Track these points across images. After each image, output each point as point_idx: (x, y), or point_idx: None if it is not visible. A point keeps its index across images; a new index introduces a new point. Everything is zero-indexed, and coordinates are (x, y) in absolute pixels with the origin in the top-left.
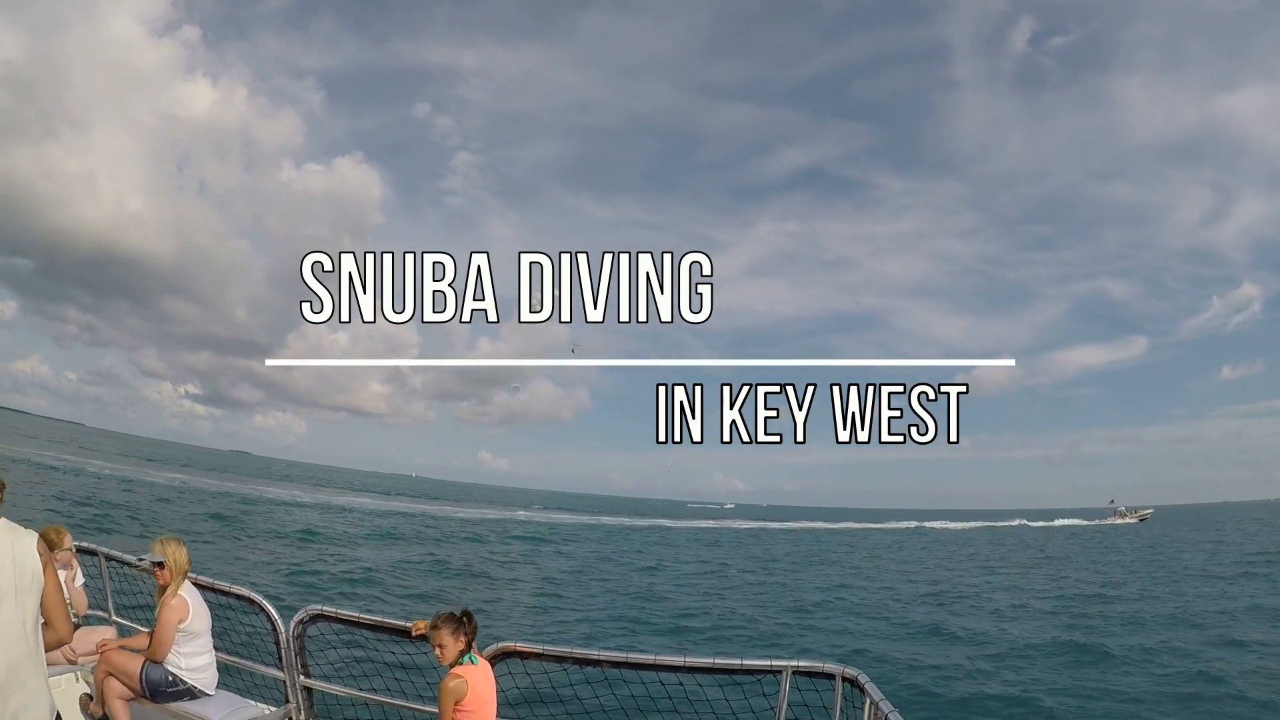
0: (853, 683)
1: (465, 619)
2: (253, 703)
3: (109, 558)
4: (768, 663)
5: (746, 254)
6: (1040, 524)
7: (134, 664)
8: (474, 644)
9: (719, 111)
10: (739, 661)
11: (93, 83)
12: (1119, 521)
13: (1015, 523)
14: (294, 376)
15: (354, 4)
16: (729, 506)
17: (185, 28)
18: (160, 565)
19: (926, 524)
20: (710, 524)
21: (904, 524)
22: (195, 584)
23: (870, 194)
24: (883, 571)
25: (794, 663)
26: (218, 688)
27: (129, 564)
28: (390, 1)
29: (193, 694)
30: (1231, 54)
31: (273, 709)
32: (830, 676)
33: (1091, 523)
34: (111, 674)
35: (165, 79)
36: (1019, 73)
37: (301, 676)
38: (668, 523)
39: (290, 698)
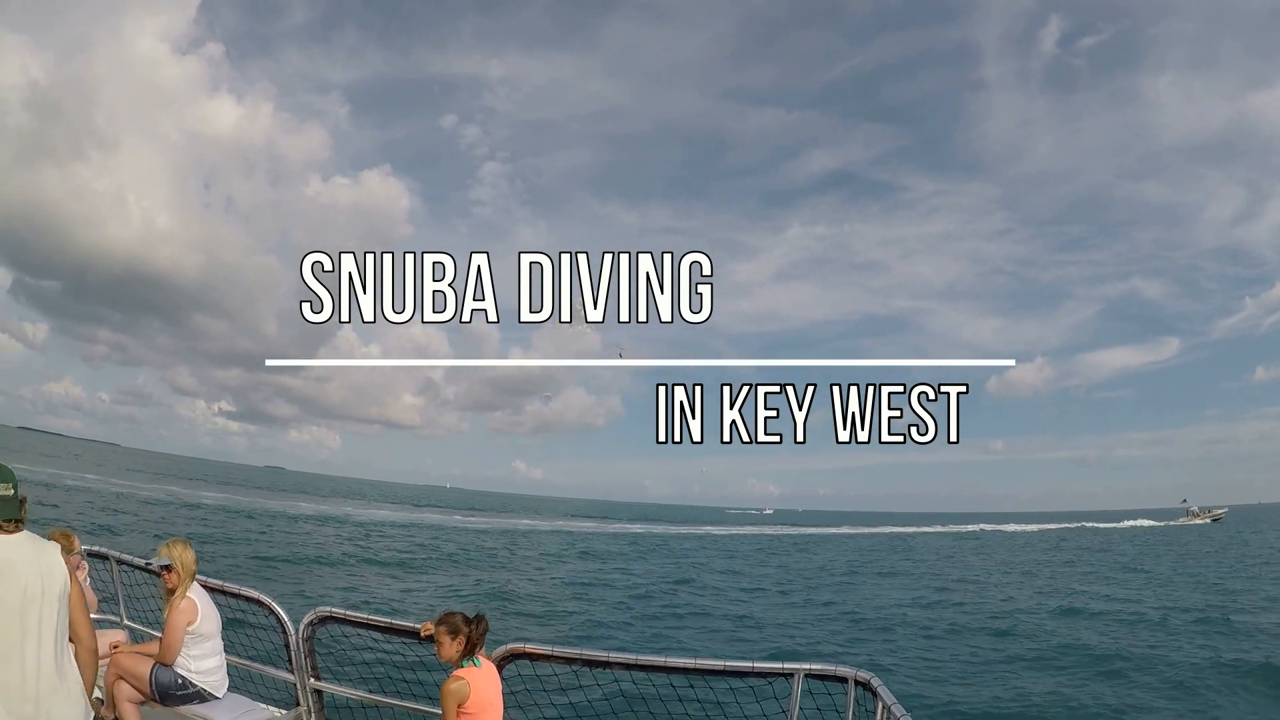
0: (865, 686)
1: (469, 621)
2: (263, 705)
3: (120, 561)
4: (780, 665)
5: (776, 258)
6: (1107, 525)
7: (144, 667)
8: (480, 646)
9: (747, 116)
10: (751, 664)
11: (119, 102)
12: (1193, 521)
13: (1077, 525)
14: (327, 390)
15: (378, 16)
16: (768, 512)
17: (209, 45)
18: (168, 568)
19: (992, 527)
20: (770, 530)
21: (969, 526)
22: (205, 586)
23: (900, 196)
24: (1013, 585)
25: (806, 665)
26: (228, 691)
27: (138, 567)
28: (415, 13)
29: (203, 697)
30: (1263, 52)
31: (283, 712)
32: (843, 680)
33: (1163, 524)
34: (122, 677)
35: (190, 96)
36: (1049, 73)
37: (312, 679)
38: (716, 529)
39: (300, 700)
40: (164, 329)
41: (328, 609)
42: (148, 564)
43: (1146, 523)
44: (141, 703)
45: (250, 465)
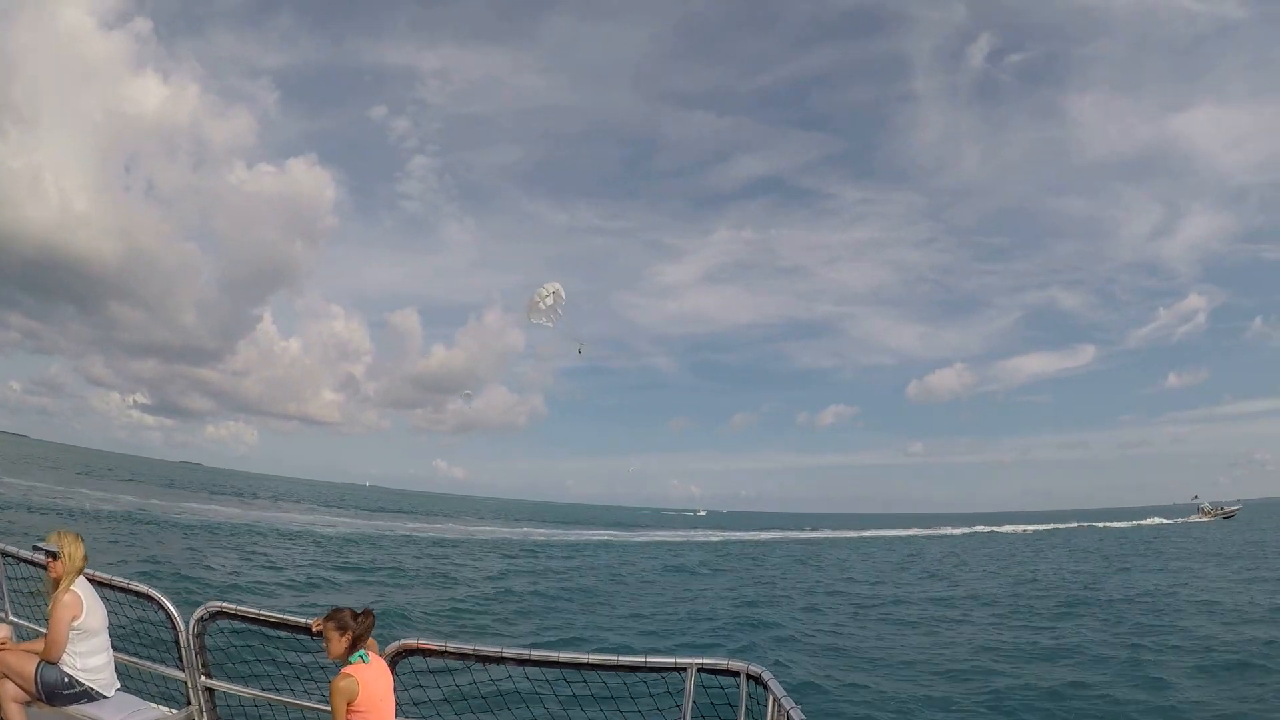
0: (757, 679)
1: (356, 616)
2: (153, 705)
3: (5, 553)
4: (673, 660)
5: (703, 261)
6: (1102, 524)
7: (29, 665)
8: (368, 641)
9: (679, 119)
10: (644, 659)
11: (40, 76)
12: (1203, 519)
13: (1084, 525)
14: (245, 384)
15: (313, 1)
16: (701, 513)
17: (137, 20)
18: (54, 556)
19: (996, 528)
20: (717, 535)
21: (976, 529)
22: (91, 580)
23: (827, 203)
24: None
25: (699, 660)
26: (117, 690)
27: (23, 559)
28: (349, 0)
29: (90, 696)
30: (1185, 76)
31: (174, 711)
32: (735, 674)
33: (1174, 521)
34: (6, 675)
35: (115, 74)
36: (977, 87)
37: (203, 677)
38: (668, 535)
39: (192, 699)
40: (79, 316)
41: (218, 604)
42: (35, 547)
43: (1160, 520)
44: (27, 703)
45: (165, 460)
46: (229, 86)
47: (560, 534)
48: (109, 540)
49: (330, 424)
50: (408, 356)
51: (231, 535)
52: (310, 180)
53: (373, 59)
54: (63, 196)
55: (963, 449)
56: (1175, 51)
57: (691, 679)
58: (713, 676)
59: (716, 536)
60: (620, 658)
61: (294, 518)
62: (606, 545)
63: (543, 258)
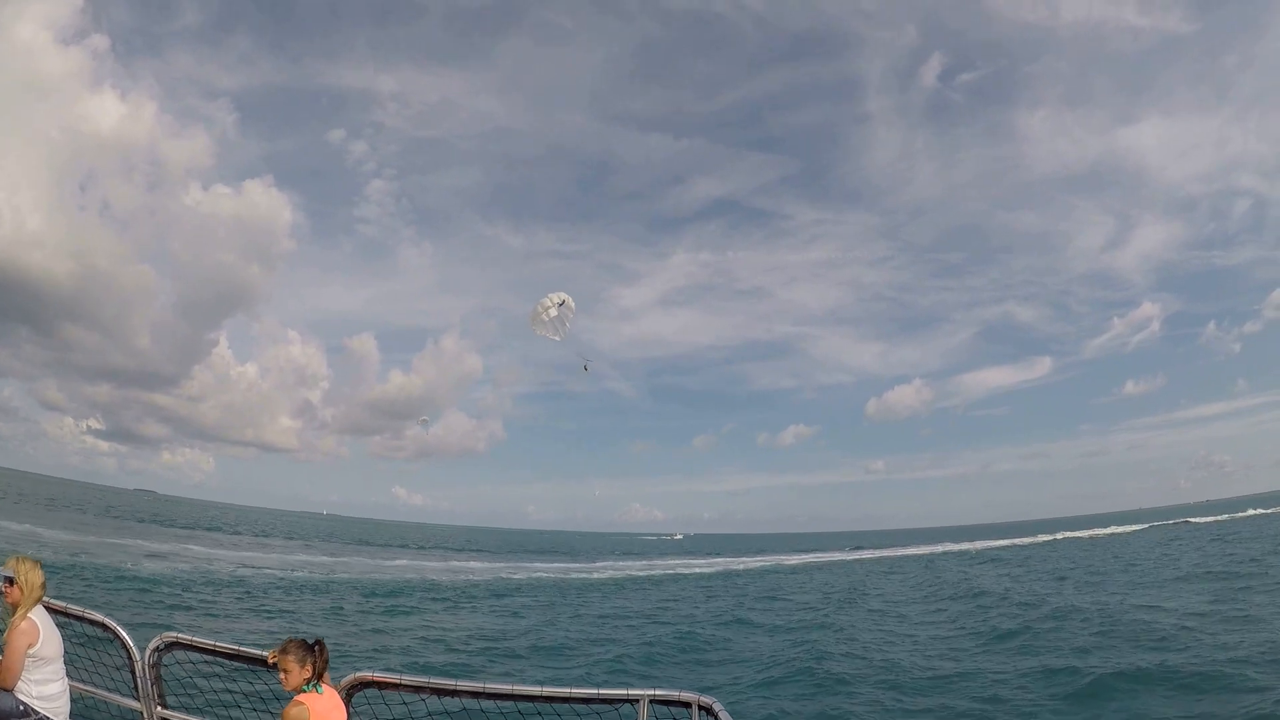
0: (708, 710)
1: (315, 648)
2: None
3: None
4: (625, 691)
5: (661, 284)
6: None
7: None
8: (325, 674)
9: (636, 142)
10: (597, 691)
11: None
12: None
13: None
14: (201, 410)
15: (272, 23)
16: (677, 537)
17: (94, 36)
18: (10, 581)
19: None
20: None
21: (1047, 536)
22: (48, 608)
23: (783, 224)
24: None
25: (651, 691)
26: (71, 718)
27: None
28: (308, 21)
29: None
30: (1132, 89)
31: None
32: (687, 705)
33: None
34: None
35: (71, 90)
36: (929, 106)
37: (158, 707)
38: (683, 566)
39: None
40: (32, 338)
41: (174, 634)
42: None
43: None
44: None
45: (120, 488)
46: (187, 107)
47: (557, 568)
48: (62, 569)
49: (288, 451)
50: (365, 382)
51: (186, 569)
52: (267, 203)
53: (331, 81)
54: (16, 214)
55: (924, 464)
56: (1122, 66)
57: (644, 710)
58: (665, 708)
59: (740, 565)
60: (574, 690)
61: (233, 554)
62: (622, 584)
63: (501, 281)
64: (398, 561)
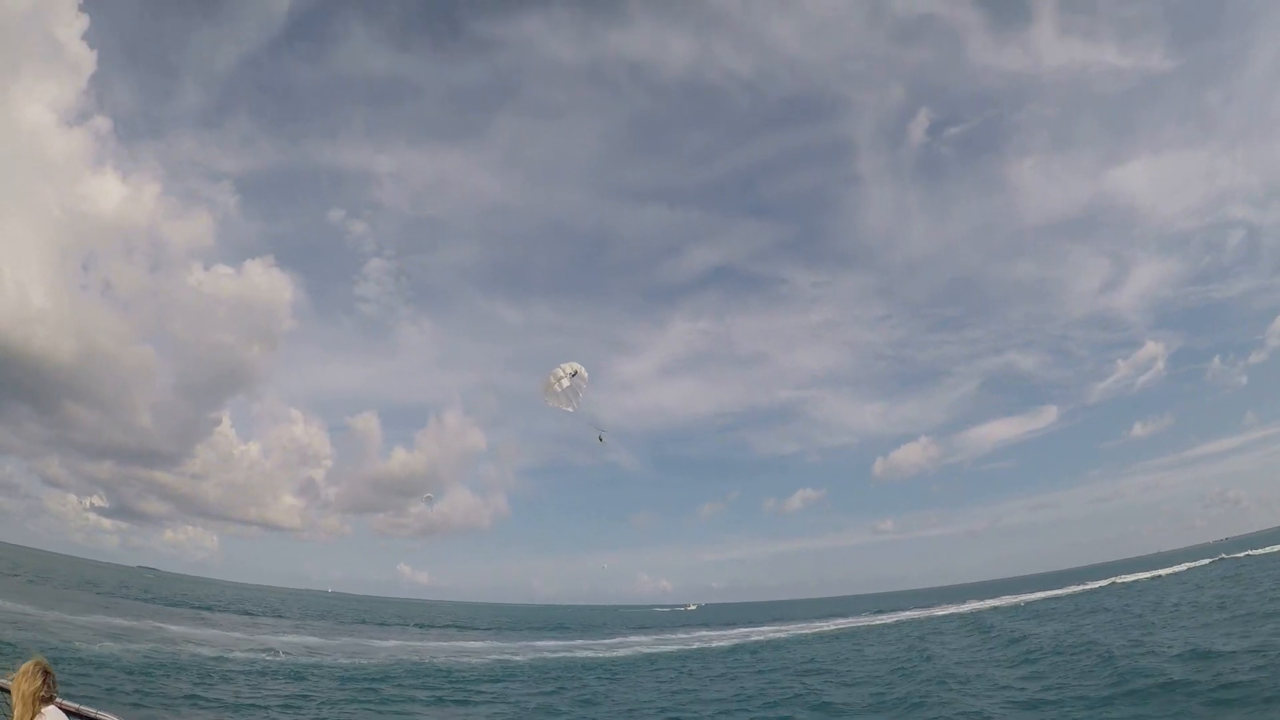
0: None
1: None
2: None
3: None
4: None
5: (660, 355)
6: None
7: None
8: None
9: (631, 213)
10: None
11: (1, 169)
12: None
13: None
14: (203, 488)
15: (271, 104)
16: (691, 608)
17: (97, 118)
18: (4, 690)
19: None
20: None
21: (1095, 584)
22: (62, 708)
23: (780, 289)
24: None
25: None
26: None
27: None
28: (307, 102)
29: None
30: (1119, 130)
31: None
32: None
33: None
34: None
35: (74, 171)
36: (919, 163)
37: None
38: (700, 639)
39: None
40: (34, 415)
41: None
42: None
43: None
44: None
45: (122, 565)
46: (189, 188)
47: (565, 645)
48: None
49: (291, 529)
50: (368, 460)
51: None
52: (268, 283)
53: (330, 161)
54: (20, 291)
55: (933, 522)
56: (1107, 108)
57: None
58: None
59: (763, 635)
60: None
61: (209, 634)
62: (638, 662)
63: (501, 357)
64: (389, 642)
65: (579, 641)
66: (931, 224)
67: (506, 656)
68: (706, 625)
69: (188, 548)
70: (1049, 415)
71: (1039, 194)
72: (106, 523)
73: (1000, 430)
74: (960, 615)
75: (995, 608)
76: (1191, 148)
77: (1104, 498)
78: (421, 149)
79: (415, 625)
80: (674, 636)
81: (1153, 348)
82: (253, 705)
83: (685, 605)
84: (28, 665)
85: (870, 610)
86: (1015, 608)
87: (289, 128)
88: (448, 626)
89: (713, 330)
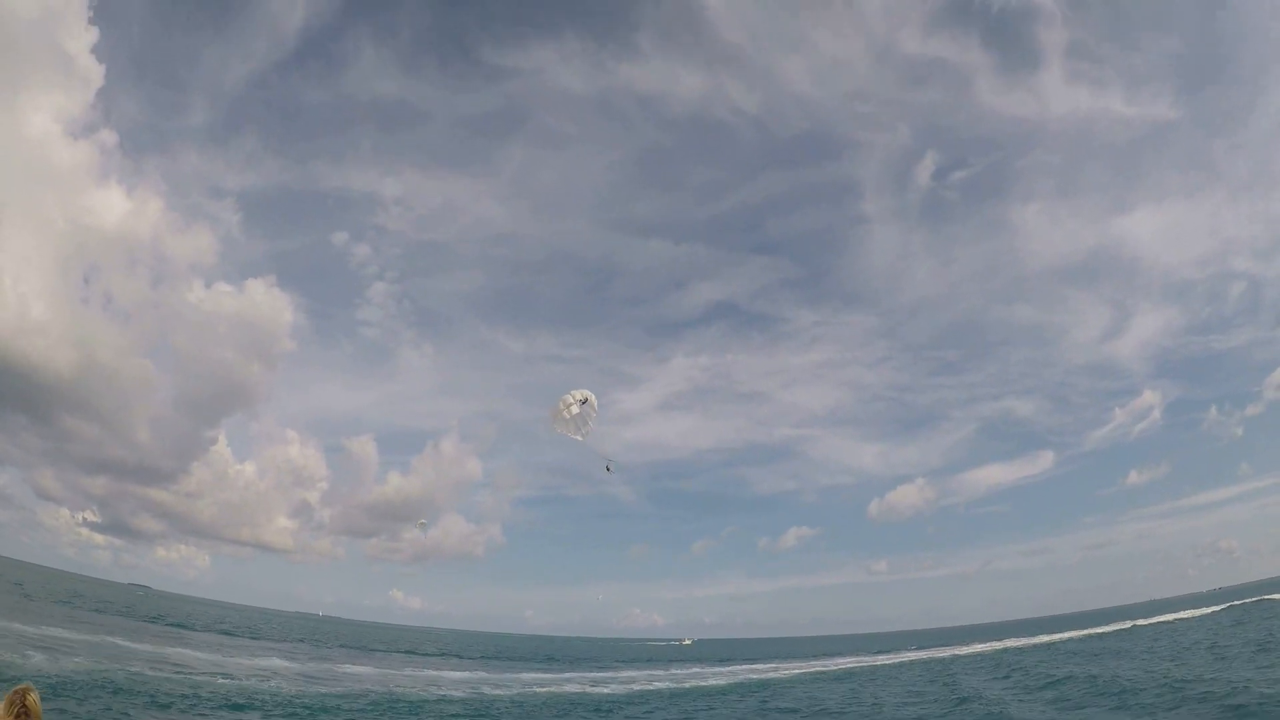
0: None
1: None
2: None
3: None
4: None
5: (660, 389)
6: None
7: None
8: None
9: (637, 247)
10: None
11: (5, 178)
12: None
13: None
14: (198, 507)
15: (279, 123)
16: (686, 643)
17: (103, 131)
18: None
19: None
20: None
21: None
22: None
23: (782, 327)
24: None
25: None
26: None
27: None
28: (315, 124)
29: None
30: (1125, 180)
31: None
32: None
33: None
34: None
35: (79, 183)
36: (924, 206)
37: None
38: (697, 675)
39: None
40: (30, 426)
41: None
42: None
43: None
44: None
45: (113, 582)
46: (193, 204)
47: (554, 678)
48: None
49: (284, 551)
50: (364, 484)
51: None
52: (269, 302)
53: (336, 183)
54: (21, 301)
55: (926, 564)
56: (1113, 156)
57: None
58: None
59: (770, 673)
60: None
61: (174, 652)
62: (633, 699)
63: (502, 386)
64: (360, 668)
65: (573, 674)
66: (935, 267)
67: (487, 690)
68: (703, 660)
69: (180, 566)
70: (1045, 461)
71: (1042, 239)
72: (99, 538)
73: (996, 475)
74: (979, 655)
75: (1030, 646)
76: (1196, 198)
77: (1098, 544)
78: (428, 174)
79: (399, 652)
80: (667, 673)
81: (1150, 396)
82: None
83: (681, 640)
84: (14, 692)
85: (873, 650)
86: (1051, 644)
87: (295, 147)
88: (431, 654)
89: (713, 366)
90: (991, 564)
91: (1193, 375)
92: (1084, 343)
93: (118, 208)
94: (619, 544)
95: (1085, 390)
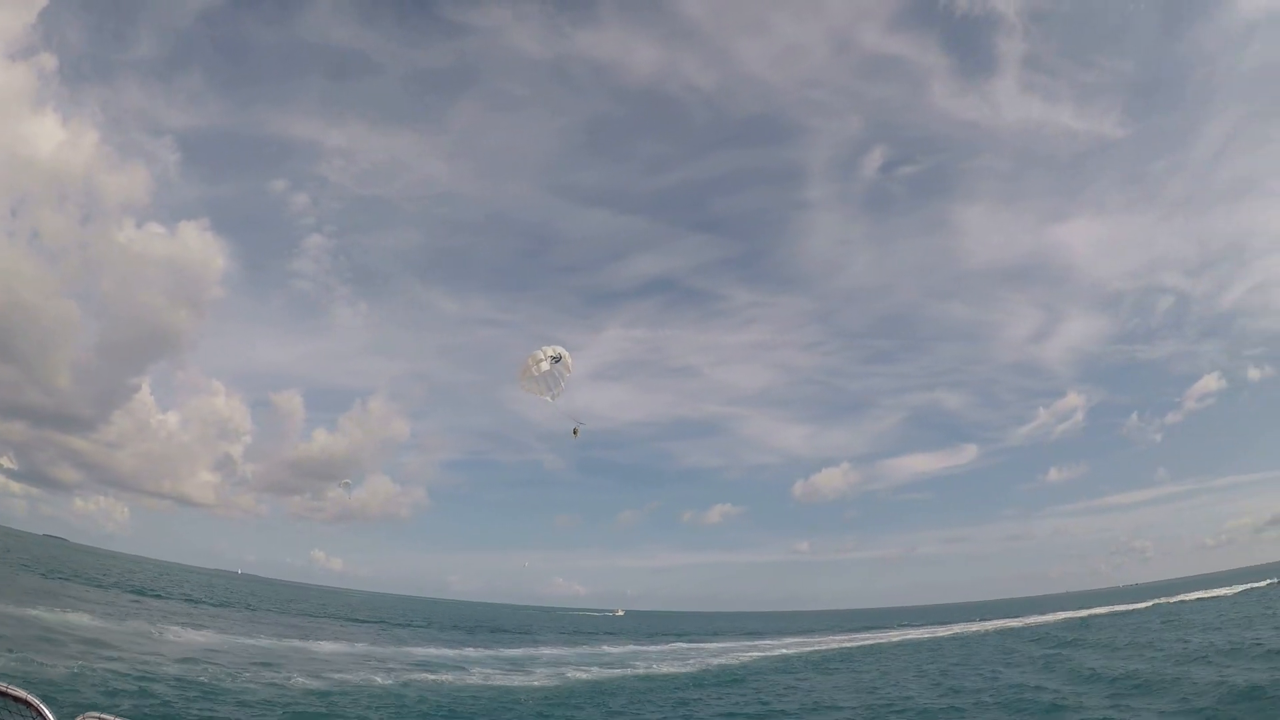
0: None
1: None
2: None
3: None
4: None
5: (593, 358)
6: None
7: None
8: None
9: (578, 215)
10: None
11: None
12: None
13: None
14: (118, 457)
15: (226, 63)
16: (619, 614)
17: (43, 54)
18: None
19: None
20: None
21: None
22: None
23: (718, 305)
24: None
25: None
26: None
27: None
28: (262, 66)
29: None
30: (1064, 190)
31: None
32: None
33: None
34: None
35: (13, 109)
36: (869, 197)
37: None
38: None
39: None
40: None
41: (96, 714)
42: None
43: None
44: None
45: (28, 532)
46: (130, 140)
47: (477, 656)
48: None
49: (205, 505)
50: (289, 440)
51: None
52: (201, 247)
53: (279, 130)
54: None
55: (849, 546)
56: (1057, 166)
57: None
58: None
59: (783, 649)
60: None
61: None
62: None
63: (433, 346)
64: (202, 635)
65: (503, 651)
66: (874, 257)
67: (389, 686)
68: (639, 635)
69: (98, 519)
70: (969, 453)
71: (982, 240)
72: (15, 486)
73: (921, 463)
74: (944, 639)
75: (999, 629)
76: (1133, 213)
77: (1016, 536)
78: (375, 127)
79: (297, 614)
80: (605, 650)
81: (1075, 398)
82: None
83: (614, 610)
84: None
85: (836, 628)
86: (1023, 628)
87: (241, 90)
88: (321, 617)
89: (647, 339)
90: (914, 550)
91: (1116, 381)
92: (1014, 343)
93: (52, 137)
94: (545, 511)
95: (1012, 388)
